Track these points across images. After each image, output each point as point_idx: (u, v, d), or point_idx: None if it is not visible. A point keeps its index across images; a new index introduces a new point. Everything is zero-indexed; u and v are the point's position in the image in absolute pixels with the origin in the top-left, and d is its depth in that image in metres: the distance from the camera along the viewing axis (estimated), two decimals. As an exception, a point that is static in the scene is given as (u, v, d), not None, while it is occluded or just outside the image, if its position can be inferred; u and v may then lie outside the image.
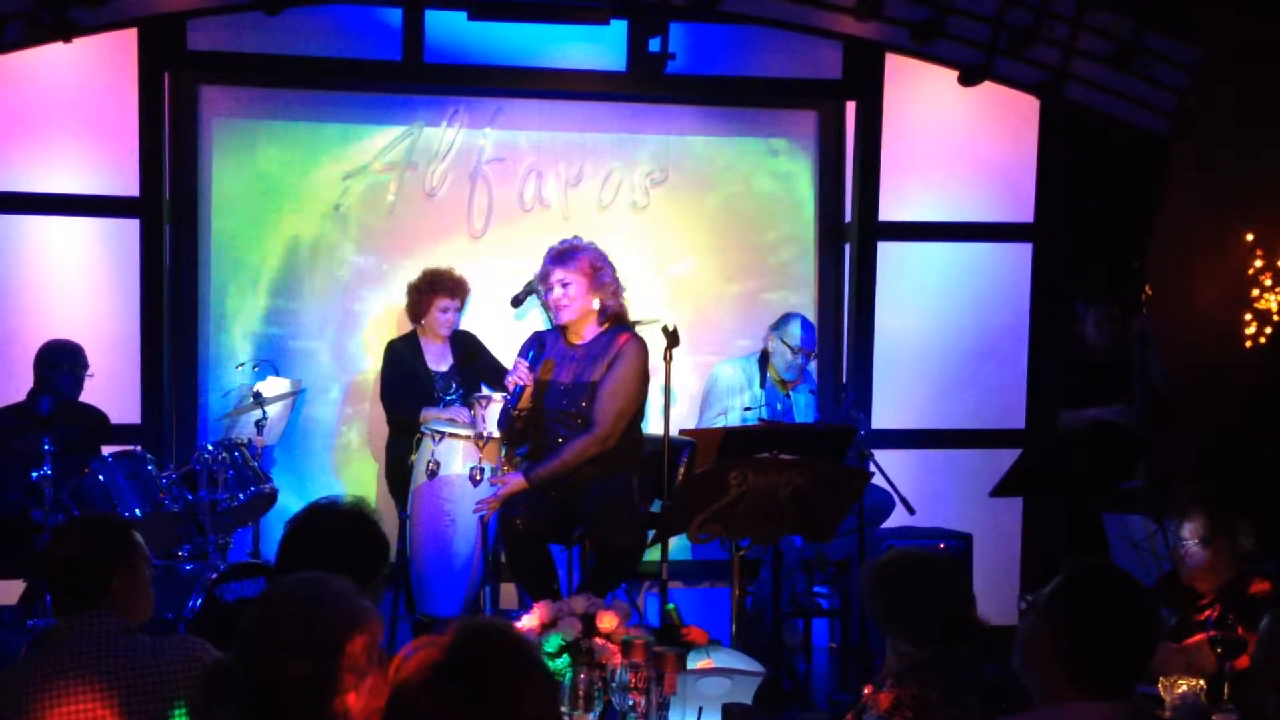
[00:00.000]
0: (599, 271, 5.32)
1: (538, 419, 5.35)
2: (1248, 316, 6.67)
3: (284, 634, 2.26)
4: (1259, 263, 6.65)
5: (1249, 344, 6.67)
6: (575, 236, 5.48)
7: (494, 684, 1.90)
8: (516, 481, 5.25)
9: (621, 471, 5.26)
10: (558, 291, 5.35)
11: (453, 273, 6.24)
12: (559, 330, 5.46)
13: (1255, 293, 6.68)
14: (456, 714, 1.88)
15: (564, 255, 5.33)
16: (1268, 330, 6.60)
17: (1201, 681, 3.48)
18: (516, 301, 6.06)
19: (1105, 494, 5.83)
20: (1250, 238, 6.66)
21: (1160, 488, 5.92)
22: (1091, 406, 6.24)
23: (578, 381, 5.30)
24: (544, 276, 5.41)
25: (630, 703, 3.42)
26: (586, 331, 5.39)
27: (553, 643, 3.99)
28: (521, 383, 5.25)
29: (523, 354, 5.37)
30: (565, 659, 3.94)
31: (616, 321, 5.40)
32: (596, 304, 5.33)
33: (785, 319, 6.25)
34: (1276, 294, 6.64)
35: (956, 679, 2.90)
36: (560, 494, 5.26)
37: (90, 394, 5.87)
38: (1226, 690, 3.52)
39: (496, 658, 1.93)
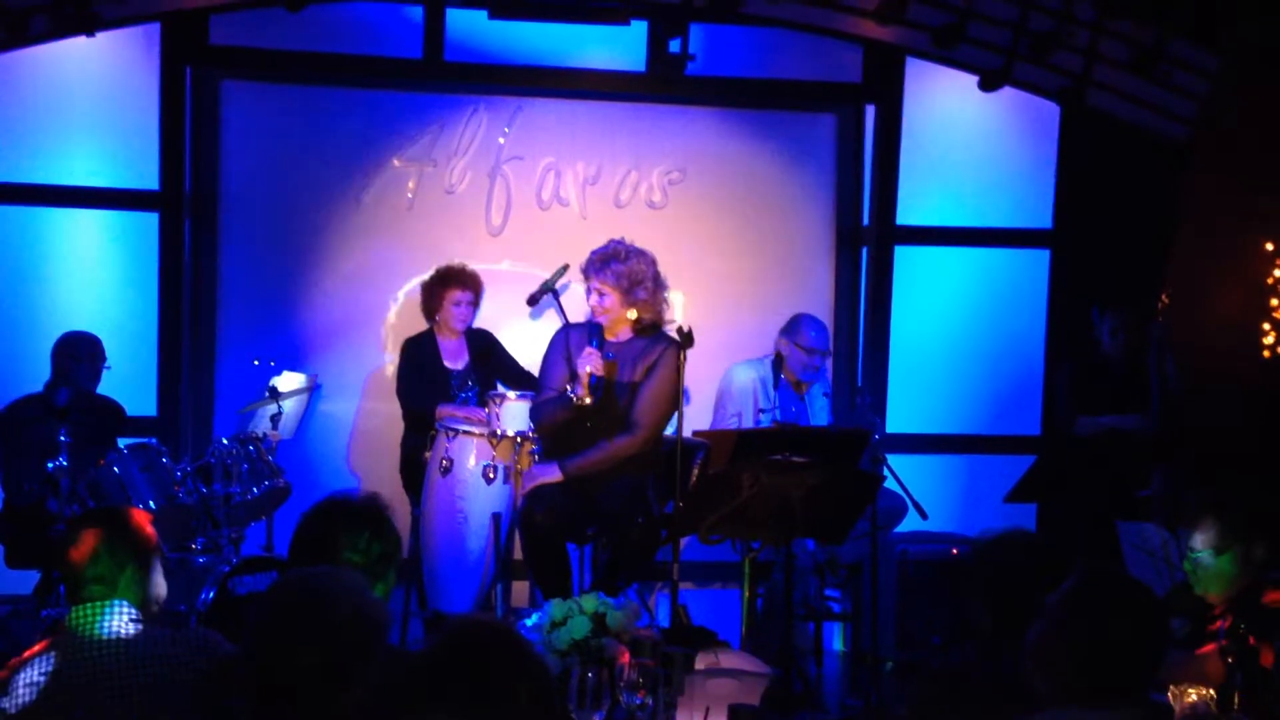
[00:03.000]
0: (636, 287, 5.29)
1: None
2: (1266, 326, 6.63)
3: (292, 627, 2.27)
4: (1278, 272, 6.61)
5: (1267, 354, 6.63)
6: (619, 240, 5.42)
7: (490, 673, 1.91)
8: (551, 473, 5.23)
9: (638, 471, 5.27)
10: (594, 299, 5.34)
11: (465, 266, 6.25)
12: (597, 325, 5.43)
13: (1274, 302, 6.64)
14: (454, 709, 1.89)
15: (603, 264, 5.30)
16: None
17: (1212, 691, 3.46)
18: (533, 300, 6.08)
19: (1120, 501, 5.81)
20: (1270, 247, 6.62)
21: (1175, 496, 5.90)
22: (1107, 413, 6.21)
23: (618, 381, 5.29)
24: (585, 275, 5.40)
25: (638, 701, 3.43)
26: (622, 333, 5.39)
27: (562, 640, 3.99)
28: (597, 373, 5.21)
29: (586, 343, 5.29)
30: (574, 657, 3.94)
31: (654, 329, 5.40)
32: (633, 315, 5.33)
33: (795, 322, 6.22)
34: (1295, 305, 6.61)
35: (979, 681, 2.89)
36: (579, 491, 5.25)
37: (107, 386, 5.90)
38: (1236, 700, 3.51)
39: (487, 648, 1.94)
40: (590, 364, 5.21)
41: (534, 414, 5.43)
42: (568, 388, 5.28)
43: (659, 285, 5.39)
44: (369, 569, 2.86)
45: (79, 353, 5.79)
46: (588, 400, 5.20)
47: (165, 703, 2.85)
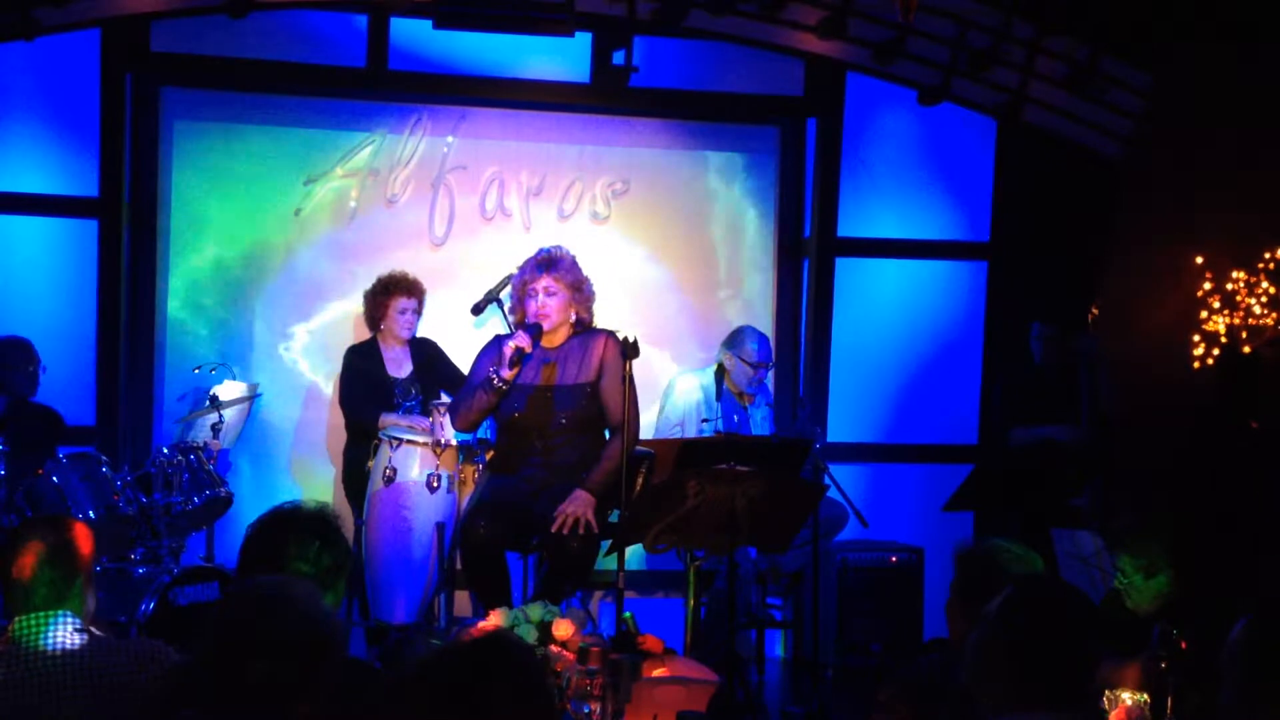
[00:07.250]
0: (582, 284, 5.33)
1: (514, 421, 5.28)
2: (1196, 338, 6.78)
3: (245, 636, 2.28)
4: (1208, 285, 6.76)
5: (1196, 365, 6.78)
6: (557, 246, 5.42)
7: (495, 700, 1.92)
8: (585, 500, 5.09)
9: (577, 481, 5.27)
10: (541, 299, 5.29)
11: (407, 274, 6.25)
12: (535, 326, 5.39)
13: (1204, 315, 6.79)
14: None
15: (551, 263, 5.30)
16: (1215, 352, 6.72)
17: (1145, 695, 3.54)
18: (477, 310, 6.06)
19: (1054, 510, 5.91)
20: (1200, 260, 6.78)
21: (1107, 506, 6.02)
22: (1042, 424, 6.33)
23: (562, 384, 5.27)
24: (525, 281, 5.34)
25: (586, 710, 3.45)
26: (559, 338, 5.39)
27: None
28: (524, 347, 5.07)
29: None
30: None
31: (585, 328, 5.42)
32: (574, 316, 5.35)
33: (738, 335, 6.27)
34: (1224, 316, 6.75)
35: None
36: (521, 502, 5.25)
37: (46, 394, 5.83)
38: (1170, 704, 3.58)
39: (499, 672, 1.95)
40: (518, 340, 5.10)
41: (453, 409, 5.37)
42: (490, 372, 5.17)
43: (591, 288, 5.44)
44: (318, 579, 2.86)
45: (13, 360, 5.72)
46: (508, 377, 5.11)
47: (114, 713, 2.84)
